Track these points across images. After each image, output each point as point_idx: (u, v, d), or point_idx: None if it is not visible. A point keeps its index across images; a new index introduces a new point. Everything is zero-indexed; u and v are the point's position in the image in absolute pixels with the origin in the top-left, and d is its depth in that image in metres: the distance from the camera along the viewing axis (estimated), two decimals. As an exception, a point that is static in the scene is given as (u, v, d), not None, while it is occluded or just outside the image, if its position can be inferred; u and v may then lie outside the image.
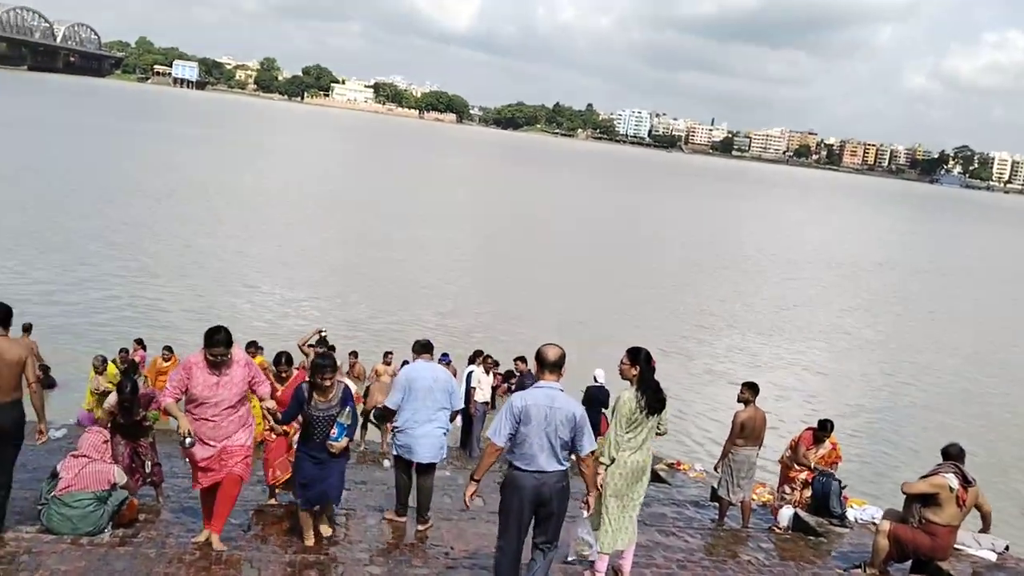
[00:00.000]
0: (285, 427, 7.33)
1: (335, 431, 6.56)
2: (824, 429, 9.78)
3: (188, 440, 6.19)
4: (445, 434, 7.64)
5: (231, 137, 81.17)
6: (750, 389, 9.19)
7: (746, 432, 9.09)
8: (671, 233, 49.76)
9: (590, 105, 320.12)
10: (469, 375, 13.17)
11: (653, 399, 6.41)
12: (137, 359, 13.93)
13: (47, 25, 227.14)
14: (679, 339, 22.63)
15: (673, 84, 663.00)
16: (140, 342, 14.60)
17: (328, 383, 6.51)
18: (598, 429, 12.64)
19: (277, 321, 19.43)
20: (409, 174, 68.03)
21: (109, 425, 7.78)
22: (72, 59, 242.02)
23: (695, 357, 21.19)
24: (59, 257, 22.87)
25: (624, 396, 6.44)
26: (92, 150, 52.66)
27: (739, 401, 9.22)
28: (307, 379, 6.74)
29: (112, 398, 7.89)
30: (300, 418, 6.64)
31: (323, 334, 10.88)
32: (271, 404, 6.73)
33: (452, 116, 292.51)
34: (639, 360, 6.44)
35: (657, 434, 6.64)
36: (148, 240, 26.88)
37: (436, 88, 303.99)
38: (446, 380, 7.62)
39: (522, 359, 13.26)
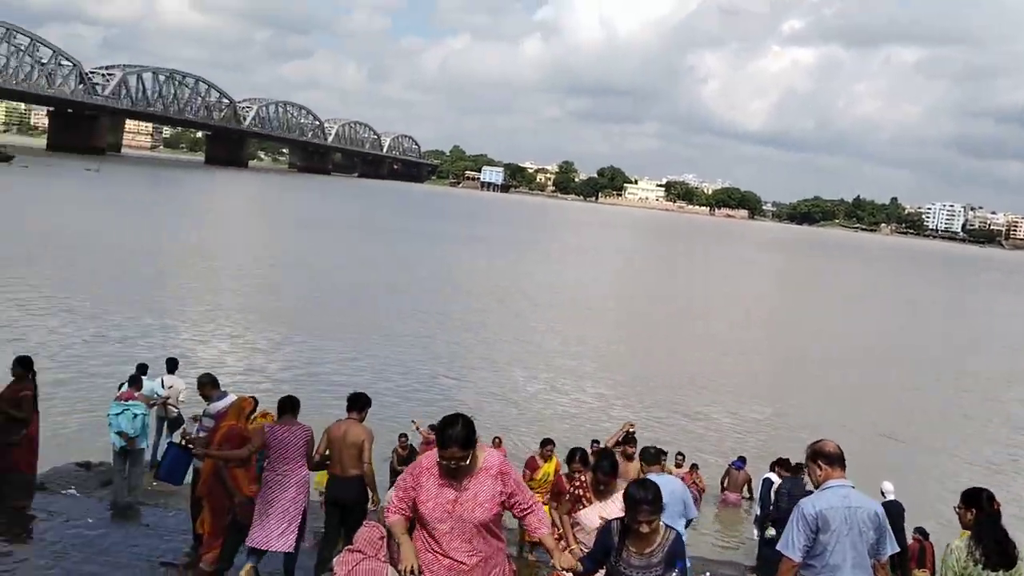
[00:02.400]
0: None
1: None
2: None
3: None
4: None
5: (539, 236, 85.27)
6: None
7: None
8: (998, 336, 45.06)
9: (895, 199, 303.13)
10: (766, 483, 11.52)
11: (994, 551, 5.14)
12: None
13: (375, 137, 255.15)
14: (1000, 458, 20.06)
15: (991, 175, 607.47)
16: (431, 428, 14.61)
17: (648, 527, 4.45)
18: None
19: (565, 416, 19.71)
20: (707, 269, 67.70)
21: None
22: (395, 167, 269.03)
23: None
24: (356, 342, 24.91)
25: (953, 544, 5.31)
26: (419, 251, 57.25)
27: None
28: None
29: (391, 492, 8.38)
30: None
31: (632, 431, 8.97)
32: (567, 560, 4.60)
33: (744, 212, 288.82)
34: (978, 502, 5.32)
35: None
36: (438, 331, 28.49)
37: (727, 185, 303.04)
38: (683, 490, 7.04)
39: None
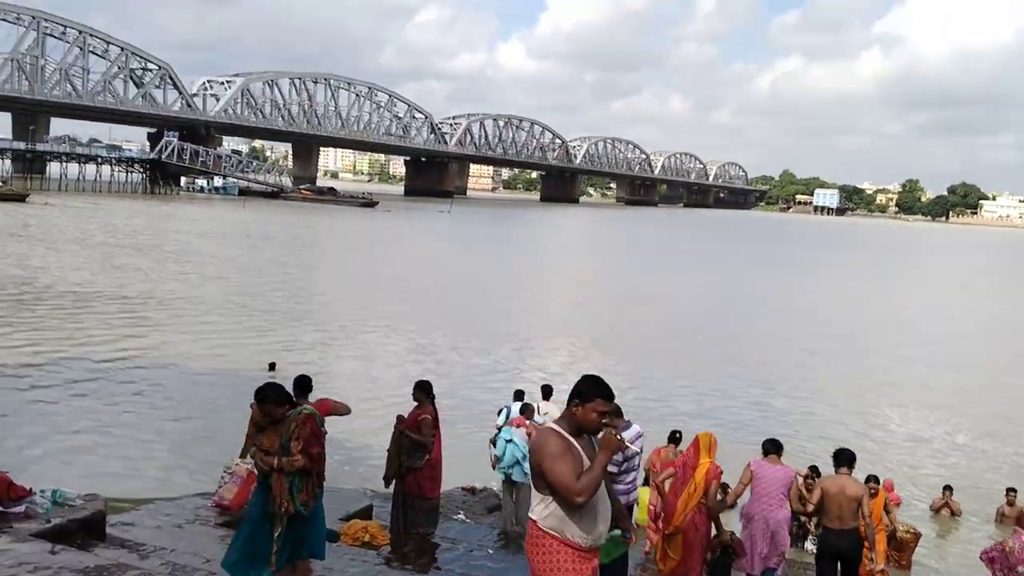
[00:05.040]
0: None
1: None
2: None
3: None
4: None
5: (893, 260, 79.43)
6: None
7: None
8: None
9: None
10: None
11: None
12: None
13: (701, 166, 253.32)
14: None
15: None
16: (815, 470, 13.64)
17: None
18: None
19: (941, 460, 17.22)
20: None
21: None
22: (721, 195, 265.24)
23: None
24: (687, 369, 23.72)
25: None
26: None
27: None
28: None
29: None
30: None
31: None
32: None
33: None
34: None
35: None
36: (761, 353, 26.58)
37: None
38: None
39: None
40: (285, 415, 5.97)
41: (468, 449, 13.22)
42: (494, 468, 9.96)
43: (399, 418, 8.73)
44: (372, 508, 9.55)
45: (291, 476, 5.86)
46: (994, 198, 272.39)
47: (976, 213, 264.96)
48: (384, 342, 24.15)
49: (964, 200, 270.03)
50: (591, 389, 4.26)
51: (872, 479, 9.50)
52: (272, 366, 18.36)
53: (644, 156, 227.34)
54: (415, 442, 8.57)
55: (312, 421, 6.04)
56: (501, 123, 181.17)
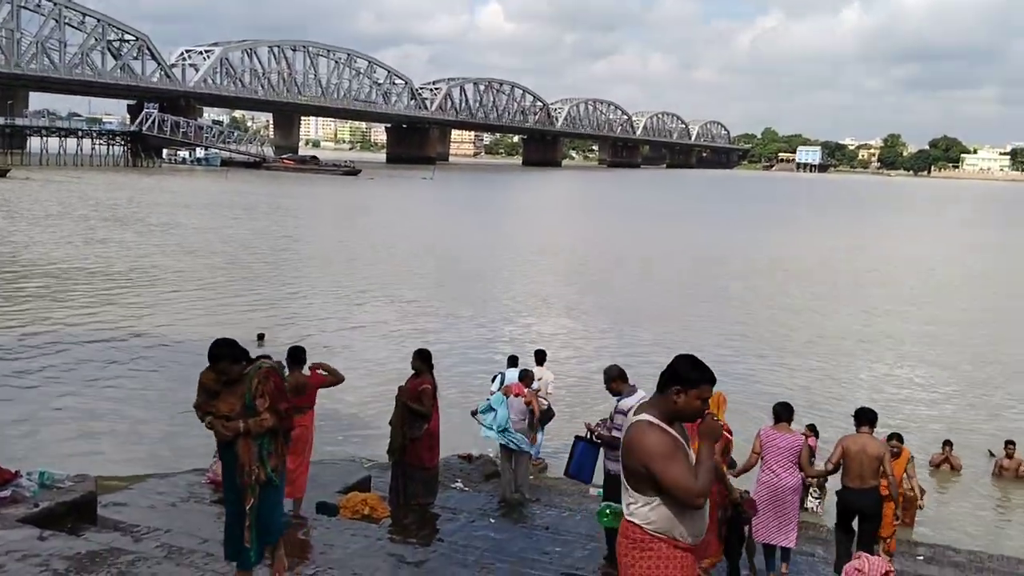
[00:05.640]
0: None
1: None
2: None
3: None
4: None
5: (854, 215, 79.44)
6: None
7: None
8: None
9: None
10: None
11: None
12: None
13: (683, 126, 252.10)
14: None
15: None
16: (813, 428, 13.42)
17: None
18: None
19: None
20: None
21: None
22: (704, 154, 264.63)
23: None
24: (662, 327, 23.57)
25: None
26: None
27: None
28: None
29: None
30: None
31: None
32: None
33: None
34: None
35: None
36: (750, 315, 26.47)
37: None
38: None
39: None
40: (243, 373, 5.25)
41: (463, 416, 13.02)
42: (472, 415, 9.95)
43: (400, 389, 8.55)
44: (370, 480, 9.38)
45: (259, 439, 5.19)
46: (975, 151, 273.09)
47: (958, 167, 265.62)
48: (374, 311, 23.89)
49: (946, 154, 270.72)
50: (696, 374, 3.81)
51: (895, 437, 9.16)
52: (261, 337, 18.07)
53: (626, 117, 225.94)
54: (415, 412, 8.40)
55: (275, 375, 5.35)
56: (481, 87, 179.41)
